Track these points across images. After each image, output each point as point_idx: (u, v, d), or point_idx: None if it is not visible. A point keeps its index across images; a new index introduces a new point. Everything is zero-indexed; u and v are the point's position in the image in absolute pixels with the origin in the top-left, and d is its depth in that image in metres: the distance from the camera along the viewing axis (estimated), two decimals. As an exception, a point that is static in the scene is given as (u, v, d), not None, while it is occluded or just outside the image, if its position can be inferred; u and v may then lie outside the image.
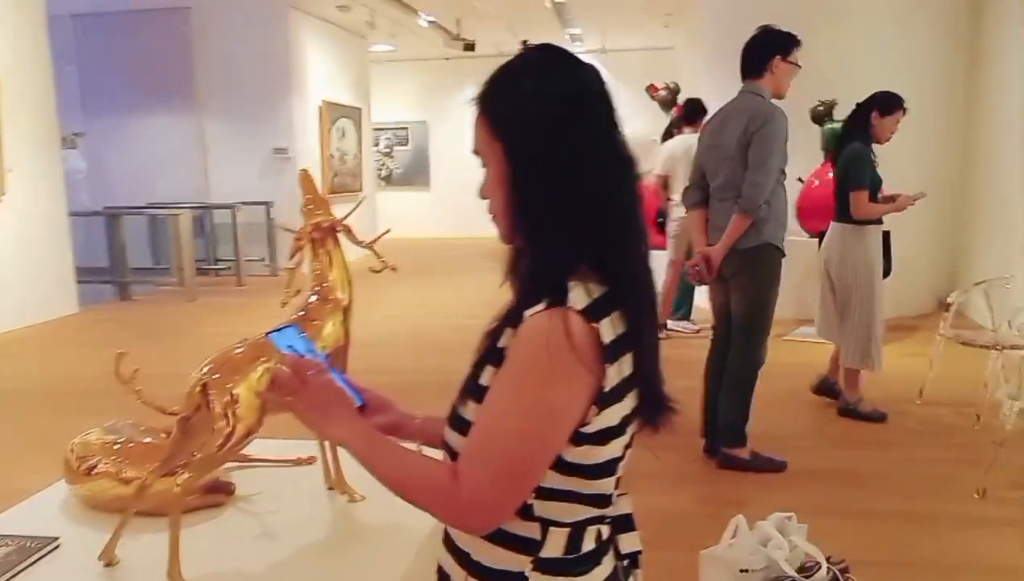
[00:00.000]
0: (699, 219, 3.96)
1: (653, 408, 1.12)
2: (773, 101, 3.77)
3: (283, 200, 10.57)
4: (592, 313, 1.00)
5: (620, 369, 1.03)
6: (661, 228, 6.62)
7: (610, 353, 1.01)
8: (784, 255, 3.83)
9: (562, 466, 1.06)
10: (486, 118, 1.08)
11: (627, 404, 1.06)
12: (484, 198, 1.13)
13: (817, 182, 6.16)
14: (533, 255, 1.08)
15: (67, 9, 9.70)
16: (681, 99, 7.49)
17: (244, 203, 10.35)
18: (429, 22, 11.51)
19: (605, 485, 1.10)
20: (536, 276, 1.05)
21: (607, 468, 1.08)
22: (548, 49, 1.11)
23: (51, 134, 8.34)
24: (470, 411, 1.08)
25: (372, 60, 13.86)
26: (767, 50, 3.77)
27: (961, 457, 4.03)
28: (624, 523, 1.17)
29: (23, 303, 7.73)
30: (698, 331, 6.54)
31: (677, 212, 6.21)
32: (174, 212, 9.31)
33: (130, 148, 10.77)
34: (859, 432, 4.44)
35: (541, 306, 1.01)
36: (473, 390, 1.09)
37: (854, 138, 4.47)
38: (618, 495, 1.15)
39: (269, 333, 1.30)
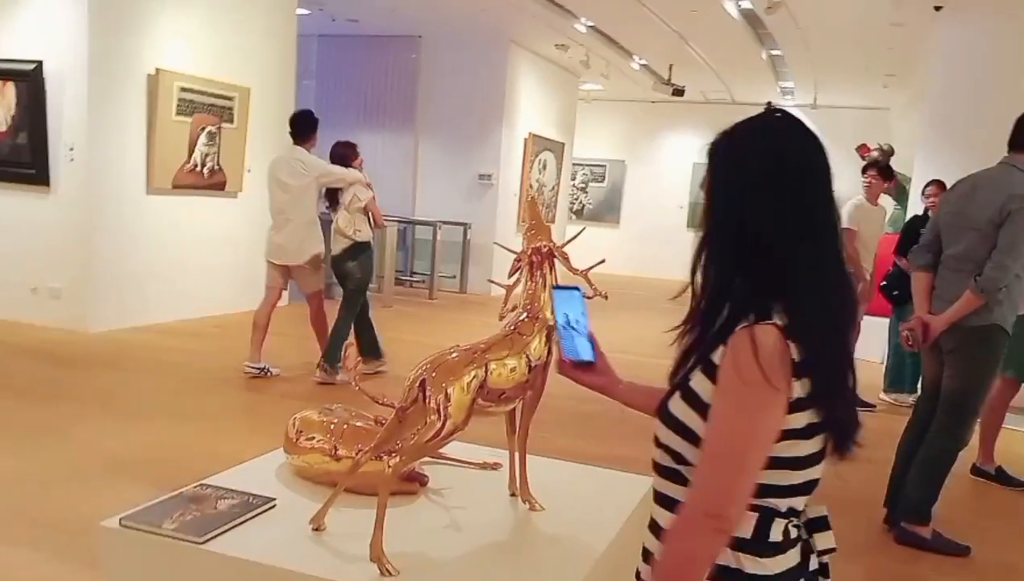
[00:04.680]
0: (924, 282, 3.77)
1: (837, 434, 1.25)
2: None
3: (480, 223, 11.05)
4: (785, 333, 1.17)
5: (803, 386, 1.18)
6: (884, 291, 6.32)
7: (797, 369, 1.17)
8: (1010, 338, 3.61)
9: None
10: (709, 160, 1.29)
11: (809, 416, 1.20)
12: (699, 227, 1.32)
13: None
14: (714, 282, 1.27)
15: (315, 30, 10.68)
16: (894, 161, 7.19)
17: (444, 222, 10.89)
18: (641, 65, 11.68)
19: (783, 477, 1.23)
20: (722, 297, 1.24)
21: (788, 462, 1.22)
22: (778, 118, 1.29)
23: (286, 141, 9.17)
24: (676, 405, 1.27)
25: (579, 97, 14.20)
26: None
27: None
28: (819, 524, 1.31)
29: (244, 290, 8.51)
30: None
31: None
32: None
33: (350, 160, 11.63)
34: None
35: (747, 321, 1.18)
36: (681, 387, 1.27)
37: None
38: (813, 505, 1.30)
39: (556, 287, 1.56)
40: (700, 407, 1.22)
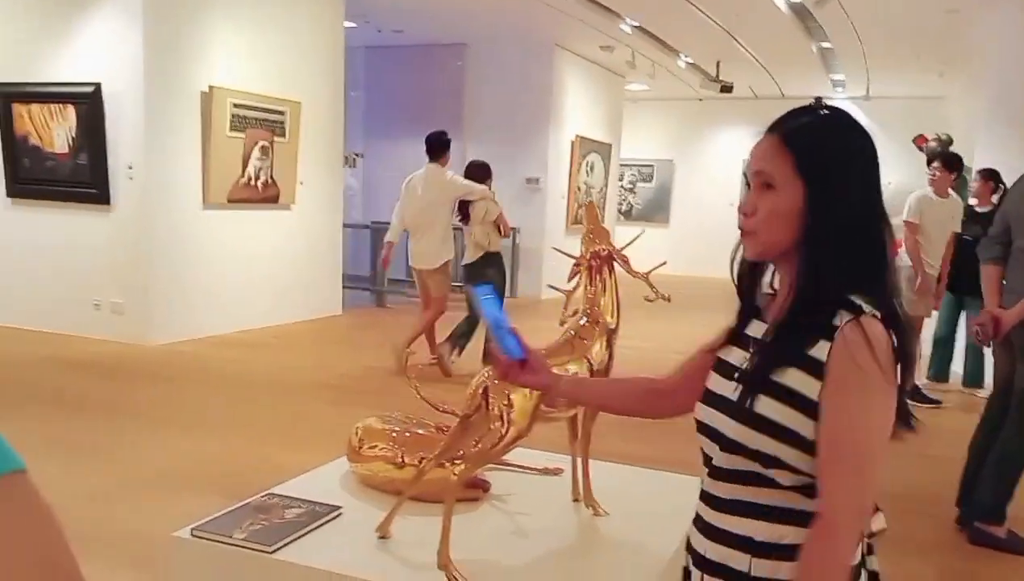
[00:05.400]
0: (994, 275, 3.66)
1: (902, 417, 1.22)
2: None
3: (529, 227, 11.03)
4: (885, 322, 1.17)
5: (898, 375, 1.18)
6: None
7: (898, 357, 1.17)
8: None
9: None
10: (791, 153, 1.20)
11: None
12: (747, 214, 1.25)
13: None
14: (817, 277, 1.21)
15: (362, 42, 10.80)
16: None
17: (494, 227, 10.91)
18: (688, 63, 11.57)
19: None
20: (823, 293, 1.20)
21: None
22: (844, 112, 1.27)
23: (337, 153, 9.31)
24: (768, 408, 1.19)
25: (626, 98, 14.12)
26: None
27: None
28: (871, 546, 1.29)
29: (299, 301, 8.66)
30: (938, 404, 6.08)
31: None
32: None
33: (399, 169, 11.69)
34: None
35: (849, 316, 1.16)
36: (768, 388, 1.20)
37: None
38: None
39: (475, 285, 1.53)
40: (804, 406, 1.17)
